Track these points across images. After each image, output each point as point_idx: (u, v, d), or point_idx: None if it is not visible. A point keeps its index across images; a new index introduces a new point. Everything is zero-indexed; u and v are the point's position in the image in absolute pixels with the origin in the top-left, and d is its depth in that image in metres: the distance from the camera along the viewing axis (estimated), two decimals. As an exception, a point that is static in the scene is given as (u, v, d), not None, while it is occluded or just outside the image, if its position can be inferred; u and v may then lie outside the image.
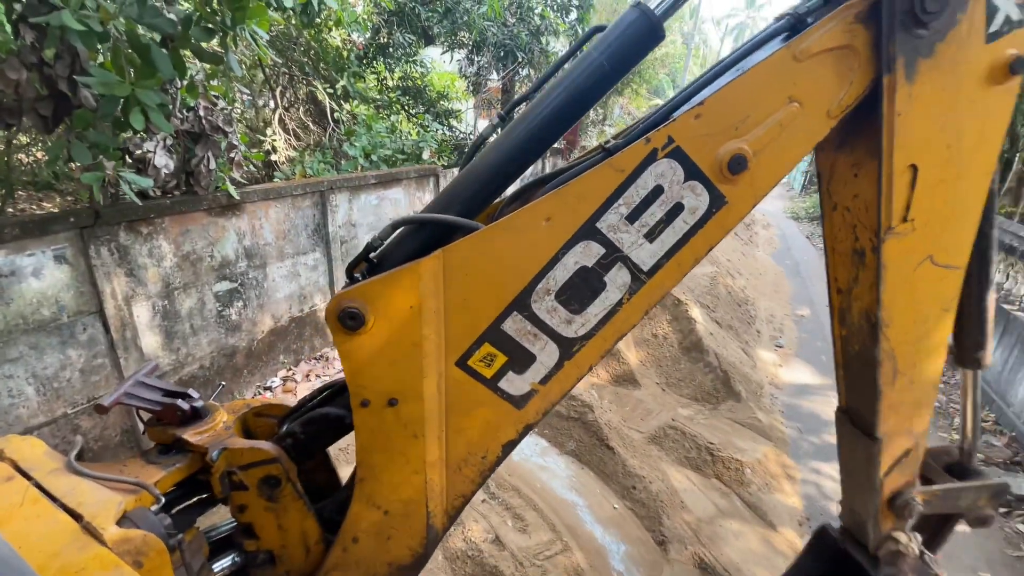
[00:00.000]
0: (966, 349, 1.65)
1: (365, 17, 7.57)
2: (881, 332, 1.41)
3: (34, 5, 3.11)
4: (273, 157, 6.87)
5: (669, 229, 1.18)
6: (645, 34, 1.16)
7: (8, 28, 3.43)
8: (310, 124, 7.87)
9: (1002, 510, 2.11)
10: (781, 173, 1.20)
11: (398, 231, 1.29)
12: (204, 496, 1.53)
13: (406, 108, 9.31)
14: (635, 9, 1.17)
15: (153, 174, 3.47)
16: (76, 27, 2.57)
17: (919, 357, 1.50)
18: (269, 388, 4.95)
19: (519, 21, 9.36)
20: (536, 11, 9.36)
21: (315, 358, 5.56)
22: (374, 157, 7.22)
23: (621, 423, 4.56)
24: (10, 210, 4.17)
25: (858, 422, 1.70)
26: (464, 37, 9.16)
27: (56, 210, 4.07)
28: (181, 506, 1.50)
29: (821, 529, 2.10)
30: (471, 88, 10.72)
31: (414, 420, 1.28)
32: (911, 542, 1.80)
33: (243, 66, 5.59)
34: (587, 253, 1.17)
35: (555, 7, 9.80)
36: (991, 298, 1.59)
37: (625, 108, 15.40)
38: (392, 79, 9.22)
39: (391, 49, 8.52)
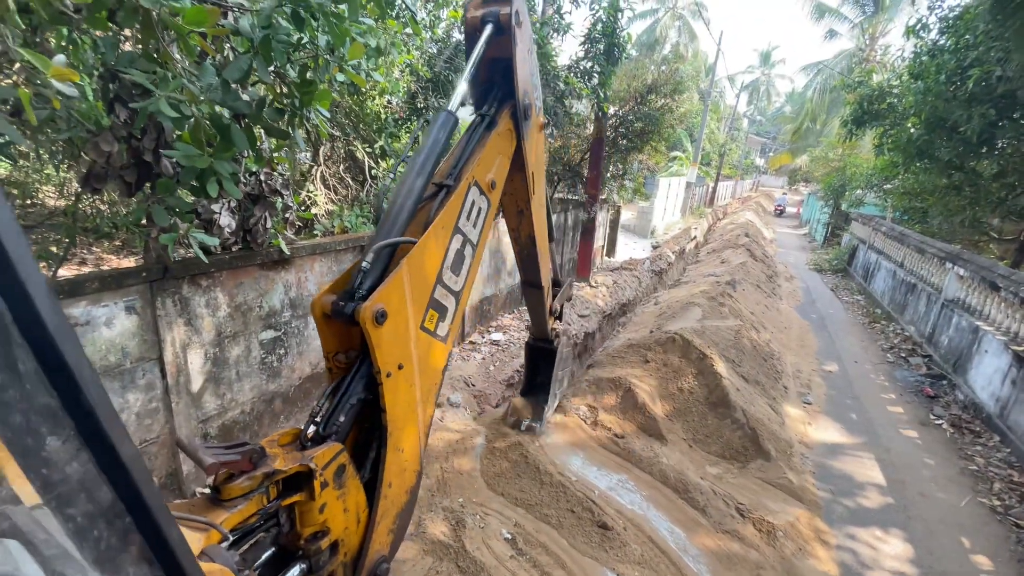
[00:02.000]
0: (551, 236, 3.74)
1: (404, 85, 8.19)
2: (536, 240, 3.45)
3: (127, 87, 3.57)
4: (314, 211, 7.31)
5: (479, 219, 2.30)
6: (452, 123, 2.18)
7: (102, 106, 3.90)
8: (349, 180, 8.39)
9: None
10: (503, 184, 2.57)
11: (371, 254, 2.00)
12: (265, 534, 1.69)
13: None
14: (443, 111, 2.18)
15: (218, 233, 3.81)
16: (169, 113, 2.95)
17: (544, 247, 3.65)
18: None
19: (544, 87, 9.96)
20: (560, 78, 9.97)
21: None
22: (408, 211, 7.60)
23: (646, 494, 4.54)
24: (86, 268, 4.54)
25: (531, 284, 3.89)
26: (493, 100, 9.75)
27: (133, 264, 4.43)
28: (247, 544, 1.65)
29: (527, 344, 4.85)
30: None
31: (410, 374, 1.91)
32: (556, 324, 4.65)
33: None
34: (457, 241, 2.14)
35: (578, 73, 10.42)
36: (549, 205, 3.53)
37: (644, 163, 15.88)
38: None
39: (425, 111, 9.14)
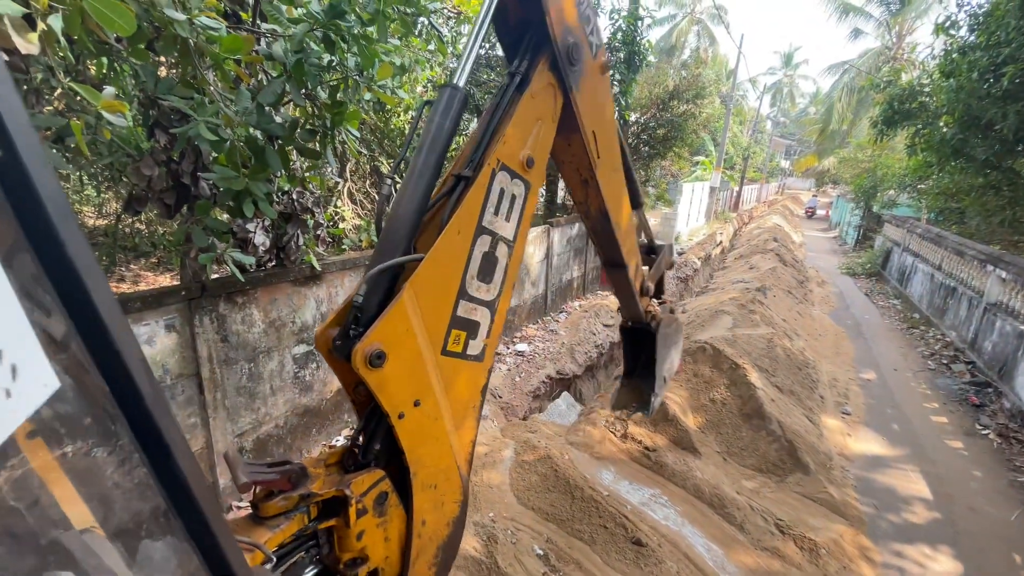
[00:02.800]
0: (635, 202, 3.05)
1: (427, 100, 8.32)
2: (609, 215, 2.73)
3: (166, 113, 3.71)
4: (341, 226, 7.46)
5: (513, 210, 1.87)
6: (461, 99, 1.75)
7: (142, 132, 4.07)
8: (374, 195, 8.54)
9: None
10: (546, 158, 2.05)
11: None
12: (304, 553, 1.69)
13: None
14: (448, 87, 1.75)
15: (253, 251, 3.91)
16: (208, 137, 3.05)
17: (622, 216, 2.89)
18: (332, 447, 5.16)
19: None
20: (582, 86, 9.98)
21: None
22: (432, 224, 7.70)
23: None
24: (124, 286, 4.71)
25: (613, 264, 3.16)
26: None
27: (169, 281, 4.58)
28: (287, 565, 1.65)
29: (622, 328, 3.95)
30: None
31: (433, 408, 1.71)
32: (652, 306, 3.72)
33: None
34: (483, 243, 1.78)
35: (599, 81, 10.40)
36: (632, 171, 2.95)
37: (667, 169, 15.73)
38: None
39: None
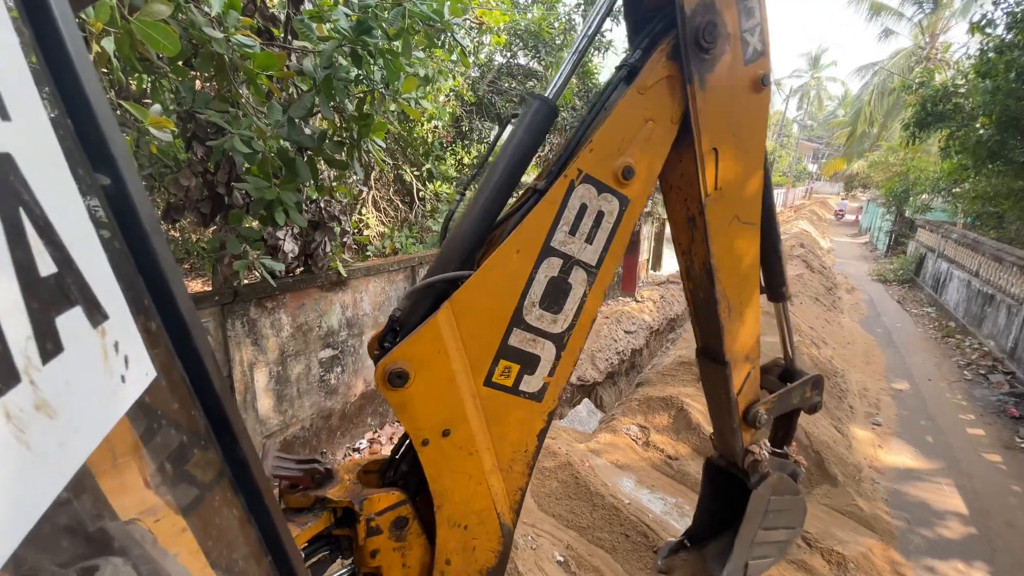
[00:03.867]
0: (774, 287, 2.31)
1: (450, 110, 8.49)
2: (715, 277, 1.92)
3: (203, 126, 3.89)
4: (367, 232, 7.64)
5: (600, 231, 1.58)
6: (547, 114, 1.56)
7: (180, 144, 4.27)
8: (398, 202, 8.72)
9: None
10: (657, 169, 1.66)
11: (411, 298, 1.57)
12: (327, 552, 1.67)
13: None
14: (536, 99, 1.56)
15: (282, 258, 4.06)
16: (242, 149, 3.20)
17: (743, 295, 2.04)
18: (357, 449, 5.27)
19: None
20: (603, 94, 10.02)
21: (398, 421, 5.87)
22: (454, 231, 7.83)
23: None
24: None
25: (712, 356, 2.19)
26: (536, 119, 9.93)
27: (200, 286, 4.77)
28: (310, 562, 1.69)
29: (707, 462, 2.76)
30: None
31: (467, 441, 1.53)
32: (762, 449, 2.41)
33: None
34: (551, 267, 1.53)
35: (621, 88, 10.44)
36: (782, 247, 2.25)
37: (690, 174, 15.62)
38: (468, 158, 10.09)
39: (470, 133, 9.41)
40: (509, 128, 1.62)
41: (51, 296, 0.36)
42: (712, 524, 2.95)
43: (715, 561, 2.80)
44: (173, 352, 0.48)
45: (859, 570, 4.03)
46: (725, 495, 2.67)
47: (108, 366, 0.40)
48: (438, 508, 1.57)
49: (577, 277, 1.57)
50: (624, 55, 1.72)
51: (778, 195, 39.01)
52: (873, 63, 31.26)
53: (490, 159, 1.70)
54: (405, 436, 1.69)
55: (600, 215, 1.56)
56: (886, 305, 13.31)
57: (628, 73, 1.60)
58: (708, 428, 5.24)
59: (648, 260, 14.39)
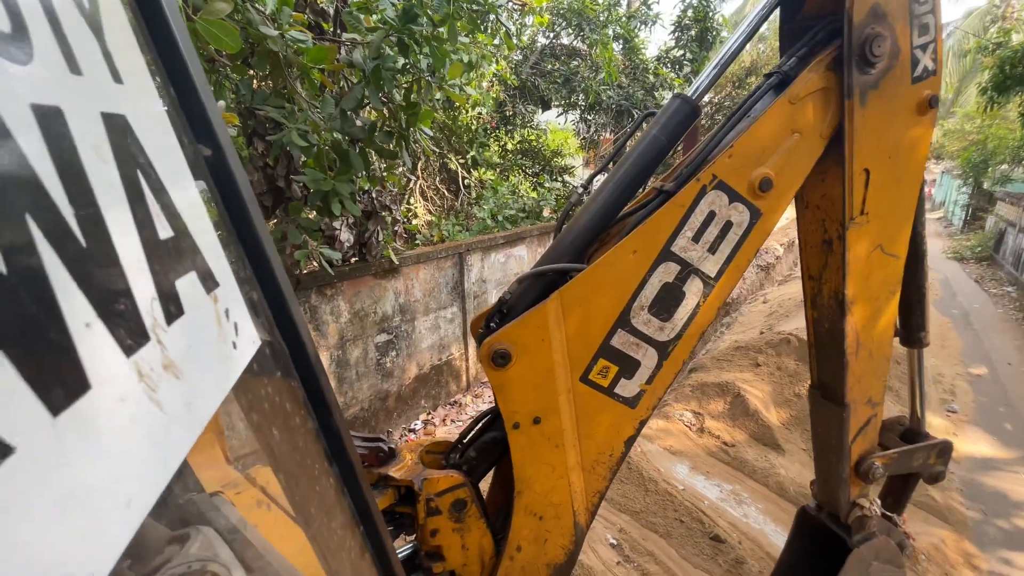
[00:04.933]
0: (911, 330, 2.09)
1: (493, 95, 8.45)
2: (846, 308, 1.78)
3: (263, 122, 4.05)
4: (415, 221, 7.79)
5: (724, 242, 1.51)
6: (688, 114, 1.52)
7: (242, 140, 4.47)
8: (444, 191, 8.82)
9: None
10: (796, 184, 1.59)
11: (523, 284, 1.56)
12: (391, 528, 1.74)
13: (524, 169, 10.02)
14: (678, 98, 1.52)
15: (339, 247, 4.20)
16: (300, 143, 3.31)
17: (875, 332, 1.88)
18: (412, 430, 5.44)
19: (633, 81, 9.74)
20: (650, 70, 9.68)
21: (450, 403, 6.00)
22: (499, 217, 7.84)
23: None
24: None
25: (828, 394, 2.02)
26: (579, 99, 9.75)
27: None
28: None
29: (801, 510, 2.48)
30: (584, 144, 11.22)
31: (555, 433, 1.53)
32: (873, 504, 2.16)
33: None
34: (667, 272, 1.48)
35: (668, 63, 10.05)
36: (927, 287, 2.03)
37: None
38: (511, 143, 10.04)
39: (513, 118, 9.34)
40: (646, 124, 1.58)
41: (170, 259, 0.37)
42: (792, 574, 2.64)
43: None
44: (273, 322, 0.50)
45: (931, 562, 3.82)
46: (816, 553, 2.39)
47: (222, 332, 0.42)
48: (518, 494, 1.58)
49: (693, 286, 1.51)
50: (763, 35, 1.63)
51: (839, 170, 36.58)
52: (946, 24, 28.53)
53: (623, 151, 1.63)
54: (475, 422, 1.74)
55: (728, 225, 1.50)
56: (962, 285, 12.30)
57: (780, 81, 1.55)
58: (767, 414, 5.06)
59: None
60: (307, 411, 0.57)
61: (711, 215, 1.48)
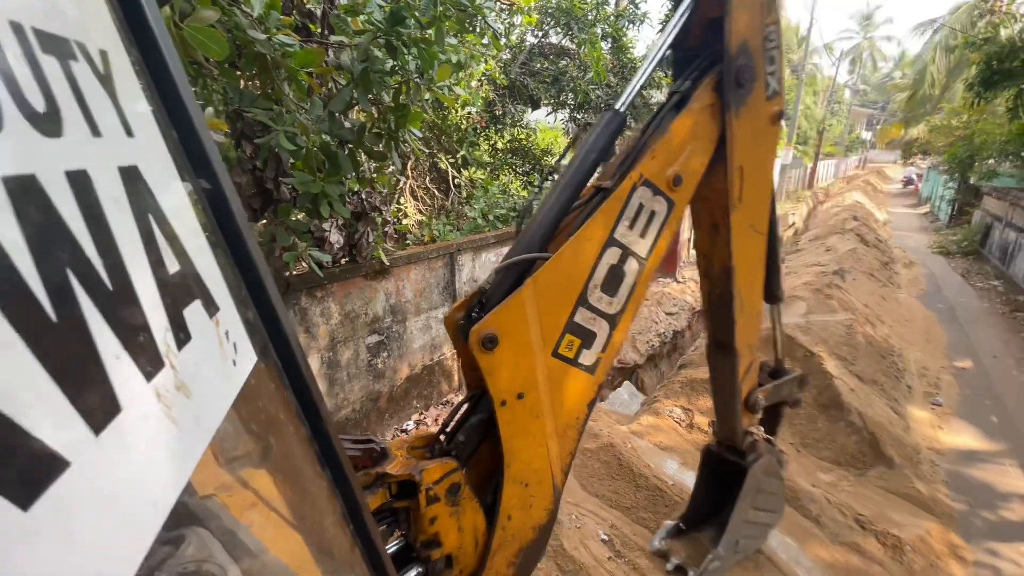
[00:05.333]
0: (771, 290, 2.60)
1: (483, 95, 8.47)
2: (732, 276, 2.29)
3: (251, 125, 4.05)
4: (405, 221, 7.80)
5: (650, 227, 1.85)
6: (619, 123, 1.83)
7: (230, 143, 4.47)
8: (434, 191, 8.83)
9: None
10: (697, 180, 1.98)
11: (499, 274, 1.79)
12: (384, 527, 1.75)
13: (514, 168, 10.06)
14: (610, 111, 1.83)
15: (329, 249, 4.22)
16: (288, 146, 3.33)
17: (753, 294, 2.44)
18: (405, 430, 5.47)
19: (622, 80, 9.79)
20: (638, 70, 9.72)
21: (442, 403, 6.04)
22: (490, 216, 7.88)
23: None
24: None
25: (722, 348, 2.56)
26: (568, 99, 9.79)
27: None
28: None
29: (705, 449, 3.16)
30: (574, 143, 11.25)
31: (535, 405, 1.73)
32: (760, 430, 2.92)
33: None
34: (612, 255, 1.78)
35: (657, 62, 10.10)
36: (779, 255, 2.58)
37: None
38: (501, 143, 10.06)
39: (503, 117, 9.37)
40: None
41: (178, 291, 0.42)
42: (706, 509, 3.31)
43: (710, 541, 3.13)
44: (268, 339, 0.54)
45: (916, 553, 3.91)
46: (719, 482, 3.09)
47: (223, 352, 0.46)
48: (507, 466, 1.74)
49: (631, 266, 1.82)
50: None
51: (829, 166, 37.04)
52: (933, 19, 28.91)
53: (565, 160, 1.99)
54: (455, 410, 1.86)
55: (653, 214, 1.84)
56: (948, 279, 12.52)
57: (680, 100, 1.91)
58: (754, 409, 5.14)
59: (690, 240, 14.01)
60: (299, 419, 0.61)
61: (641, 206, 1.81)
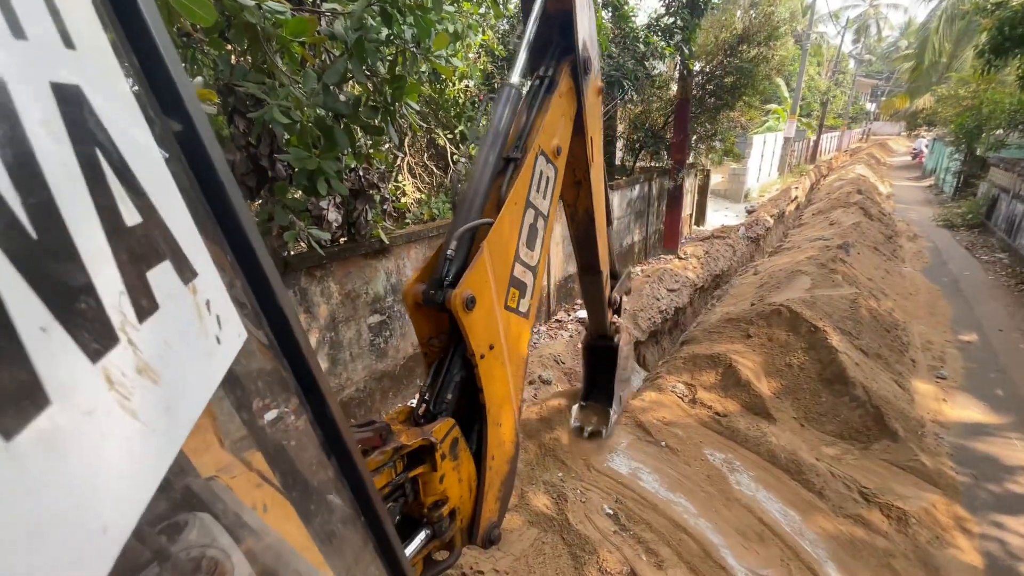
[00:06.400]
0: (608, 219, 3.39)
1: (480, 67, 8.22)
2: (594, 215, 3.11)
3: (243, 99, 3.91)
4: (403, 199, 7.66)
5: (548, 189, 2.24)
6: (517, 96, 2.11)
7: (222, 119, 4.33)
8: (432, 167, 8.66)
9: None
10: (567, 149, 2.45)
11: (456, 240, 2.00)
12: (391, 505, 1.83)
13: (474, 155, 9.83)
14: (507, 86, 2.10)
15: (327, 228, 4.12)
16: (281, 120, 3.21)
17: (603, 227, 3.30)
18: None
19: (623, 51, 9.52)
20: (640, 38, 9.45)
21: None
22: (491, 194, 7.73)
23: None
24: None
25: (588, 271, 3.54)
26: (570, 72, 9.51)
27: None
28: None
29: (584, 344, 4.47)
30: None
31: (500, 352, 1.95)
32: (617, 319, 4.22)
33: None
34: (530, 215, 2.11)
35: (658, 32, 9.80)
36: (607, 197, 3.38)
37: (736, 120, 14.66)
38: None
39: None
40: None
41: (140, 248, 0.33)
42: (594, 385, 4.60)
43: (604, 402, 4.48)
44: (259, 312, 0.47)
45: (921, 525, 3.93)
46: (596, 362, 4.46)
47: (203, 326, 0.38)
48: (488, 411, 1.93)
49: (540, 223, 2.20)
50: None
51: (832, 138, 36.47)
52: (943, -16, 28.05)
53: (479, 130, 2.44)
54: (437, 374, 2.01)
55: (548, 179, 2.23)
56: (953, 252, 12.42)
57: (549, 83, 2.33)
58: (758, 385, 5.13)
59: (691, 215, 13.86)
60: (300, 401, 0.54)
61: (541, 173, 2.17)
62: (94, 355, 0.28)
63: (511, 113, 2.07)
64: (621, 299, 4.15)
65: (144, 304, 0.32)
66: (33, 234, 0.27)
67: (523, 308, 2.12)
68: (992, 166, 15.68)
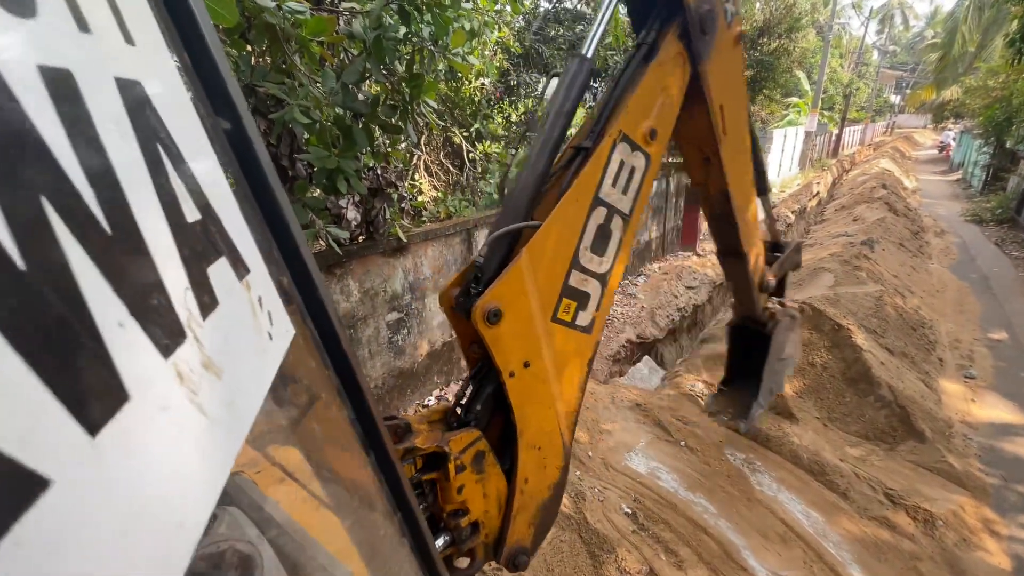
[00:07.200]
0: (760, 188, 2.90)
1: (497, 64, 8.22)
2: (731, 195, 2.55)
3: (263, 99, 3.97)
4: (420, 198, 7.70)
5: (631, 183, 1.84)
6: (588, 72, 1.78)
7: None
8: (448, 165, 8.69)
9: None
10: (670, 130, 2.00)
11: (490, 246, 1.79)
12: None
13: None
14: (576, 57, 1.77)
15: (346, 226, 4.17)
16: (301, 120, 3.24)
17: (749, 203, 2.77)
18: (426, 406, 5.50)
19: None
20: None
21: (462, 379, 6.05)
22: (506, 191, 7.74)
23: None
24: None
25: (731, 253, 2.97)
26: (585, 68, 9.45)
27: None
28: None
29: (730, 327, 3.81)
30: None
31: (541, 371, 1.76)
32: (772, 303, 3.53)
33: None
34: (599, 215, 1.78)
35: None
36: (762, 158, 2.84)
37: (756, 115, 14.42)
38: (516, 115, 9.82)
39: (518, 88, 9.11)
40: (554, 82, 1.92)
41: (200, 244, 0.34)
42: (739, 370, 3.99)
43: (747, 390, 3.83)
44: (304, 309, 0.47)
45: (948, 528, 3.83)
46: (745, 347, 3.77)
47: (257, 323, 0.39)
48: (520, 434, 1.77)
49: (616, 224, 1.85)
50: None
51: (855, 132, 35.64)
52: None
53: (537, 114, 2.03)
54: (467, 383, 1.88)
55: (633, 170, 1.85)
56: (982, 248, 12.06)
57: (648, 51, 1.89)
58: (780, 383, 5.04)
59: (708, 211, 13.65)
60: (341, 398, 0.55)
61: (622, 163, 1.80)
62: (165, 350, 0.29)
63: (577, 93, 1.76)
64: (787, 276, 3.58)
65: (206, 300, 0.33)
66: (108, 230, 0.28)
67: (582, 321, 1.83)
68: (1022, 159, 15.17)
